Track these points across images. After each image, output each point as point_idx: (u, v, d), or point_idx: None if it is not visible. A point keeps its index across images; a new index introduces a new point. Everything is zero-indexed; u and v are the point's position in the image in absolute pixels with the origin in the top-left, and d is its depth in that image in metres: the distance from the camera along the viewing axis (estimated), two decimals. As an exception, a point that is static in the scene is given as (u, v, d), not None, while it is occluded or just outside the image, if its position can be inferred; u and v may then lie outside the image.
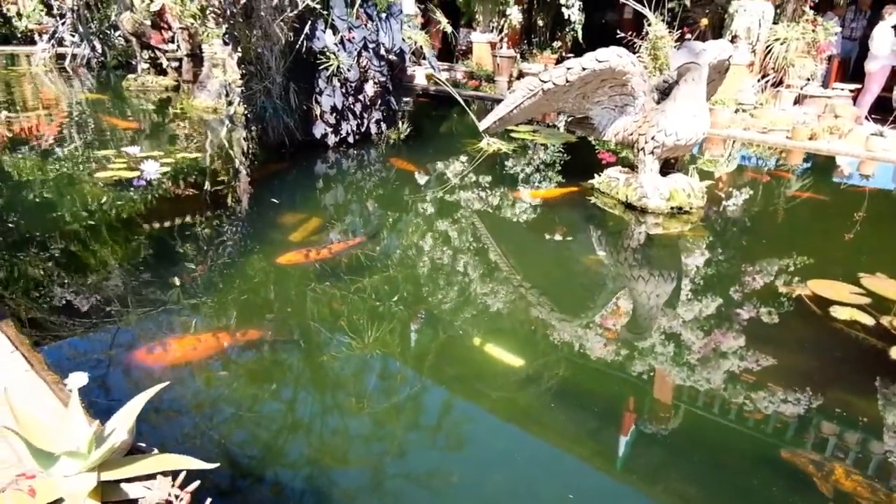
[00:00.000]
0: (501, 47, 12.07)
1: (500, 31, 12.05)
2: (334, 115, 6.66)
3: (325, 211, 5.04)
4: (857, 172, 7.09)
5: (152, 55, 11.55)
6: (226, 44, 6.77)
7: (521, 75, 11.35)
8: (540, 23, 12.24)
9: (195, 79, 10.67)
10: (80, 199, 4.76)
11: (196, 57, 11.36)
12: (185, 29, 11.28)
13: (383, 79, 7.02)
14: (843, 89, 8.91)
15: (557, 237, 4.57)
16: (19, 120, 7.74)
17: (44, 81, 11.76)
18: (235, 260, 3.82)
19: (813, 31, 8.81)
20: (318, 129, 6.63)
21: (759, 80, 9.14)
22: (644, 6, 8.96)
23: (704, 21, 9.57)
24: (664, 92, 5.21)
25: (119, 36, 12.90)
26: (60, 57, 13.74)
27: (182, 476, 1.63)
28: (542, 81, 4.98)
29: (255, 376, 2.65)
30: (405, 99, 9.48)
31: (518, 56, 11.97)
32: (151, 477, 1.65)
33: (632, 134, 5.13)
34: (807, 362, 3.00)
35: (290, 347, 2.91)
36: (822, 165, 7.34)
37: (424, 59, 10.96)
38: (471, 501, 2.05)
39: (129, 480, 1.65)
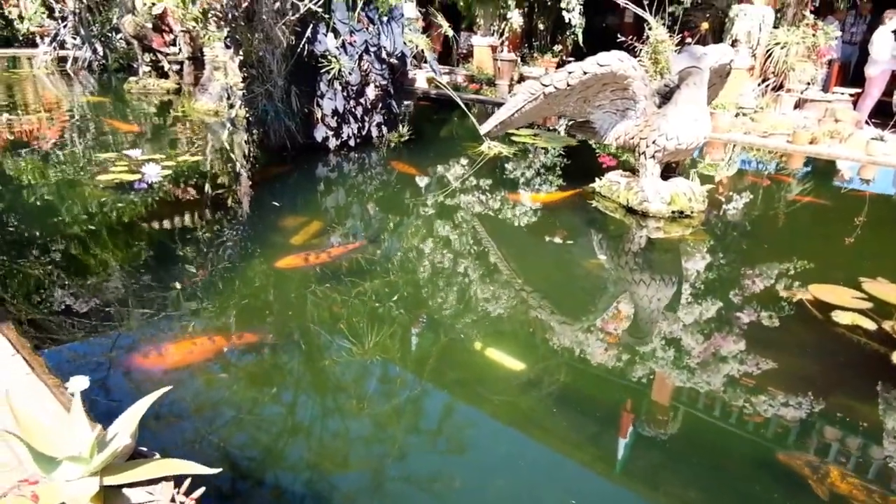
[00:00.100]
0: (502, 51, 12.09)
1: (501, 34, 12.07)
2: (335, 118, 6.67)
3: (326, 214, 5.04)
4: (858, 176, 7.11)
5: (154, 58, 11.56)
6: (227, 47, 6.79)
7: (521, 79, 11.35)
8: (541, 26, 12.24)
9: (196, 82, 10.70)
10: (81, 202, 4.77)
11: (197, 60, 11.37)
12: (186, 32, 11.29)
13: (384, 82, 7.03)
14: (843, 93, 8.91)
15: (558, 241, 4.57)
16: (21, 122, 7.75)
17: (45, 84, 11.78)
18: (236, 263, 3.83)
19: (813, 35, 8.82)
20: (320, 133, 6.64)
21: (759, 85, 9.15)
22: (645, 10, 8.98)
23: (705, 25, 9.59)
24: (665, 96, 5.21)
25: (120, 39, 12.91)
26: (62, 60, 13.76)
27: (187, 483, 1.63)
28: (544, 85, 4.99)
29: (255, 380, 2.65)
30: (406, 102, 9.50)
31: (519, 60, 11.97)
32: (154, 482, 1.65)
33: (633, 138, 5.14)
34: (808, 366, 3.00)
35: (290, 351, 2.91)
36: (822, 169, 7.35)
37: (425, 62, 10.97)
38: (472, 506, 2.05)
39: (131, 485, 1.65)
